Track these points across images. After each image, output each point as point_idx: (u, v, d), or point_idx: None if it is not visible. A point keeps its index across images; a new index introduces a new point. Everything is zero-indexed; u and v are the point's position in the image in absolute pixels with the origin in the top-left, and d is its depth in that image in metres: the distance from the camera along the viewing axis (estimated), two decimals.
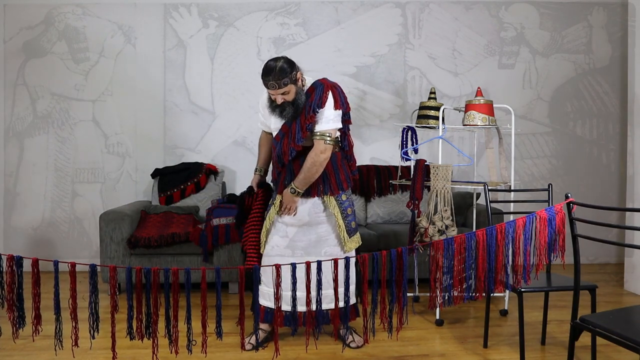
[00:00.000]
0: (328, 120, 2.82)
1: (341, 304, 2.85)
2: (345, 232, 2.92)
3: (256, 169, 3.23)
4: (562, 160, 5.25)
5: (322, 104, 2.80)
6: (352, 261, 2.82)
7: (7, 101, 4.90)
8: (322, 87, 2.84)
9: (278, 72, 2.71)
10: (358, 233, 3.02)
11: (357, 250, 3.08)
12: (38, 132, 4.93)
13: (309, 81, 2.91)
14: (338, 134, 2.95)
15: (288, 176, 2.92)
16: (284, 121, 2.88)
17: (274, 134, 2.97)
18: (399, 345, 3.03)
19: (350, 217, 2.95)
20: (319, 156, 2.80)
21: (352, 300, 2.97)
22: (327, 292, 2.72)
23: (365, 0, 5.06)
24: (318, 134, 2.81)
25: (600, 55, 5.24)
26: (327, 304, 2.83)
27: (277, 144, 2.93)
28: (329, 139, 2.81)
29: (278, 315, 2.74)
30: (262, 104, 3.04)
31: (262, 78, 2.77)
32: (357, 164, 4.82)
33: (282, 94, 2.78)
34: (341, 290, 2.84)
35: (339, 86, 2.91)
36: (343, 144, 3.01)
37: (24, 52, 4.90)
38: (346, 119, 2.95)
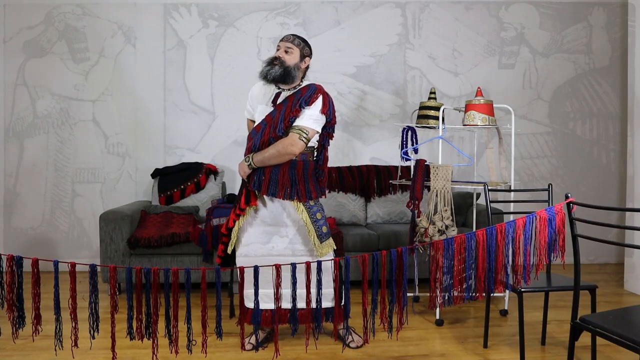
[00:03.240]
0: (310, 118, 2.81)
1: (314, 304, 2.74)
2: (315, 237, 2.86)
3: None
4: (562, 160, 5.25)
5: (310, 102, 2.81)
6: (331, 264, 2.73)
7: (7, 101, 4.90)
8: (315, 89, 2.87)
9: (297, 35, 2.97)
10: (331, 238, 2.94)
11: (341, 252, 3.03)
12: (38, 132, 4.93)
13: (305, 83, 2.93)
14: (315, 142, 2.93)
15: (258, 172, 2.88)
16: (268, 112, 2.89)
17: (256, 124, 2.94)
18: (399, 345, 3.03)
19: (320, 222, 2.89)
20: (287, 147, 2.77)
21: (329, 304, 2.91)
22: (300, 291, 2.60)
23: (365, 0, 5.06)
24: (296, 127, 2.80)
25: (600, 55, 5.24)
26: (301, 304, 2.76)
27: (255, 135, 2.89)
28: (304, 135, 2.79)
29: (277, 315, 2.73)
30: (252, 94, 3.08)
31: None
32: (357, 164, 4.88)
33: (287, 50, 2.88)
34: (314, 291, 2.76)
35: (330, 97, 2.93)
36: (319, 157, 2.97)
37: (24, 52, 4.90)
38: (329, 132, 2.94)
